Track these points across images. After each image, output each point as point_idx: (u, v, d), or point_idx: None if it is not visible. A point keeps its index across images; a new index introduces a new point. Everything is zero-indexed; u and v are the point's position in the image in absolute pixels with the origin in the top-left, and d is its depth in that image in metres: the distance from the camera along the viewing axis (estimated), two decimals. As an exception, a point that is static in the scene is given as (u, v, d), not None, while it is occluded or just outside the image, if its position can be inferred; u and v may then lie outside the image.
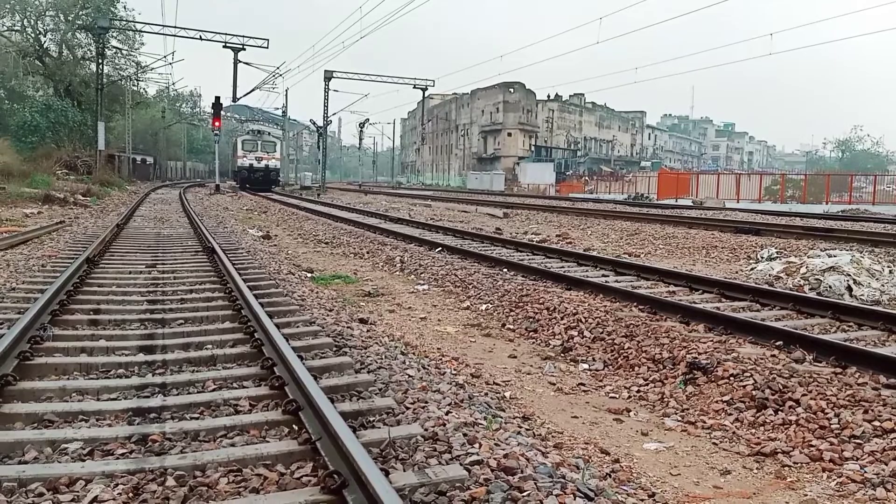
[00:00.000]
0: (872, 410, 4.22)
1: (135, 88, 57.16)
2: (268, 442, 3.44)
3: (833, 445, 3.99)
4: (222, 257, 8.90)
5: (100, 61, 39.52)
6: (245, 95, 48.75)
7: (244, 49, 39.49)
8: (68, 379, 4.35)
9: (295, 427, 3.58)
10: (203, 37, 38.96)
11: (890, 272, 9.31)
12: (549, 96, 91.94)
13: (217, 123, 43.20)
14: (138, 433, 3.42)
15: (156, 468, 3.04)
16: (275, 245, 14.31)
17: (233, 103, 46.44)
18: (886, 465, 3.66)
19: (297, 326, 5.82)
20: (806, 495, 3.59)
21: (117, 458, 3.18)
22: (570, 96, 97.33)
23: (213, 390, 4.19)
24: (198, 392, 4.18)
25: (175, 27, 39.93)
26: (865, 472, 3.65)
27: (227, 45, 39.08)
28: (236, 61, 39.44)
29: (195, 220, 16.44)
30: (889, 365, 4.88)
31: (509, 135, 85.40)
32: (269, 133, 50.98)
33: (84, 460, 3.16)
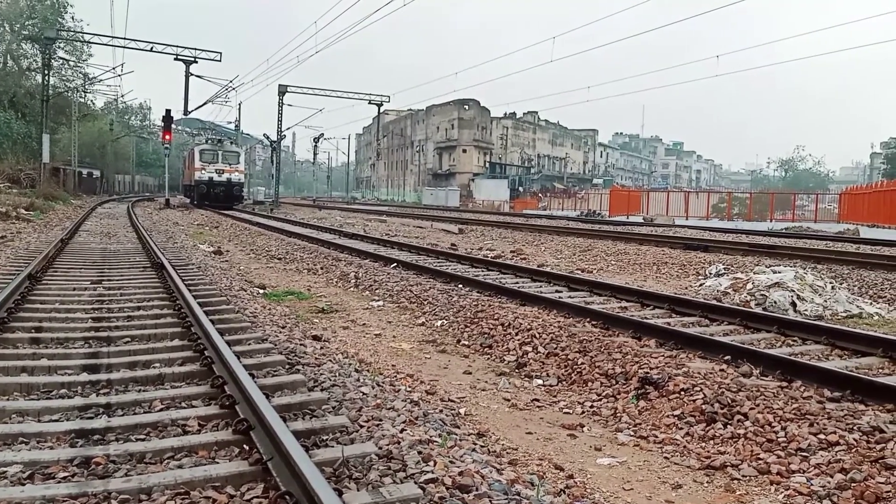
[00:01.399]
0: (818, 423, 4.32)
1: (82, 100, 55.95)
2: (217, 463, 3.36)
3: (780, 458, 4.07)
4: (171, 273, 8.71)
5: (46, 72, 38.53)
6: (196, 109, 47.37)
7: (196, 62, 39.02)
8: (8, 399, 4.18)
9: (246, 447, 3.51)
10: (154, 49, 38.32)
11: (832, 288, 9.61)
12: (504, 114, 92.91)
13: (167, 137, 42.48)
14: (81, 456, 3.30)
15: (99, 492, 2.94)
16: (226, 261, 14.07)
17: (184, 116, 45.62)
18: (832, 477, 3.75)
19: (249, 344, 5.71)
20: (755, 508, 3.65)
21: (59, 482, 3.06)
22: (524, 114, 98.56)
23: (161, 410, 4.08)
24: (144, 412, 4.06)
25: (125, 38, 39.18)
26: (812, 484, 3.74)
27: (179, 57, 38.54)
28: (188, 74, 38.90)
29: (143, 235, 16.06)
30: (833, 379, 5.02)
31: (464, 151, 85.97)
32: (231, 143, 44.82)
33: (24, 484, 3.03)
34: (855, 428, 4.19)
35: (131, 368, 4.95)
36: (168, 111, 39.63)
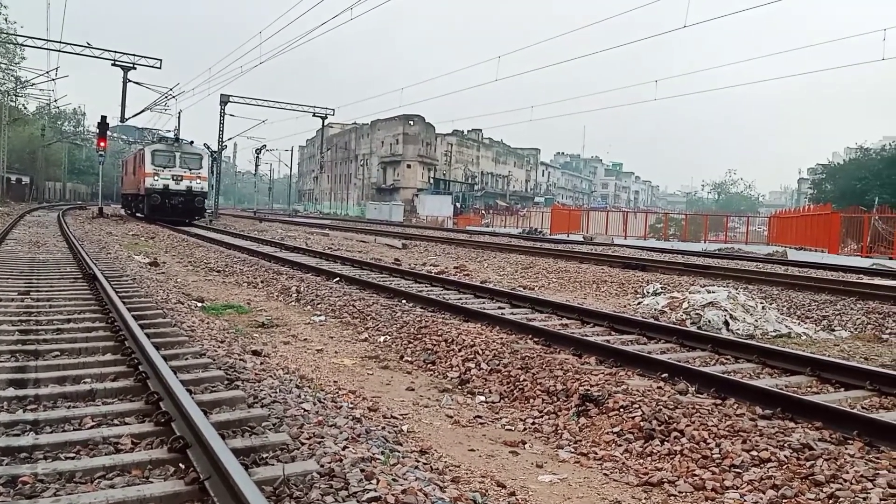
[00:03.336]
0: (750, 440, 4.45)
1: (13, 104, 53.85)
2: (151, 483, 3.25)
3: (715, 475, 4.17)
4: (104, 284, 8.43)
5: (-26, 74, 37.01)
6: (134, 116, 45.94)
7: (135, 68, 37.95)
8: (-76, 417, 3.96)
9: (182, 466, 3.41)
10: (90, 53, 37.20)
11: (763, 308, 9.95)
12: (452, 131, 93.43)
13: (102, 144, 40.70)
14: (7, 474, 3.16)
15: (25, 514, 2.81)
16: (163, 273, 13.69)
17: (120, 123, 44.23)
18: (764, 493, 3.86)
19: (186, 358, 5.57)
20: (691, 523, 3.72)
21: (-20, 504, 2.92)
22: (469, 131, 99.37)
23: (92, 427, 3.93)
24: (74, 430, 3.91)
25: (60, 42, 37.98)
26: (745, 500, 3.83)
27: (117, 63, 37.47)
28: (125, 80, 37.83)
29: (75, 244, 15.51)
30: (764, 396, 5.19)
31: (409, 166, 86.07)
32: (192, 143, 36.16)
33: (-59, 507, 2.87)
34: (786, 445, 4.33)
35: (61, 384, 4.76)
36: (104, 117, 38.13)
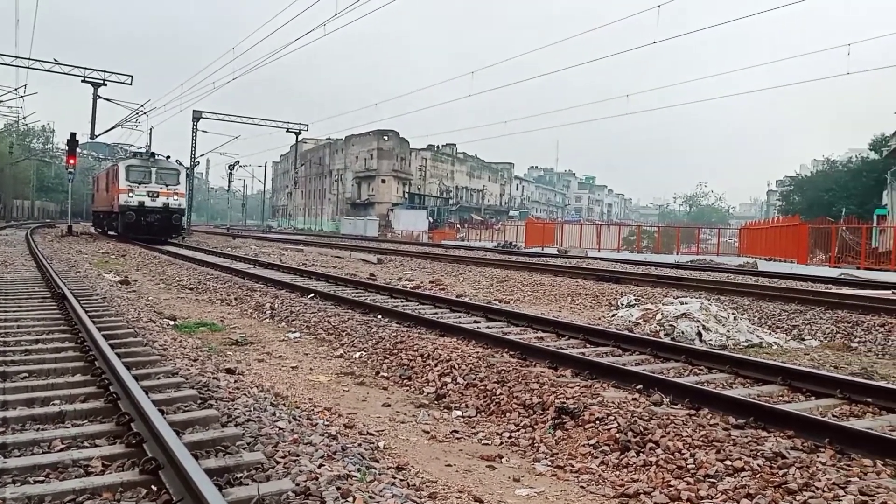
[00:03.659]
0: (724, 450, 4.49)
1: (-21, 121, 52.99)
2: (123, 505, 3.19)
3: (690, 485, 4.20)
4: (74, 304, 8.29)
5: (-61, 91, 36.37)
6: (104, 133, 44.99)
7: (105, 84, 37.64)
8: None
9: (154, 488, 3.35)
10: (60, 69, 36.79)
11: (734, 319, 10.08)
12: (427, 146, 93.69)
13: (72, 160, 39.94)
14: (-29, 502, 3.08)
15: (-9, 541, 2.74)
16: (134, 291, 13.50)
17: (90, 140, 43.68)
18: (738, 502, 3.89)
19: (158, 378, 5.49)
20: (667, 534, 3.74)
21: (-56, 532, 2.84)
22: (443, 146, 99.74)
23: (61, 450, 3.85)
24: (43, 452, 3.83)
25: (29, 59, 37.46)
26: (720, 509, 3.86)
27: (87, 79, 37.11)
28: (96, 97, 37.48)
29: (43, 263, 15.26)
30: (737, 406, 5.25)
31: (383, 181, 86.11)
32: (168, 158, 34.42)
33: None
34: (759, 454, 4.38)
35: (29, 406, 4.66)
36: (73, 134, 37.64)
